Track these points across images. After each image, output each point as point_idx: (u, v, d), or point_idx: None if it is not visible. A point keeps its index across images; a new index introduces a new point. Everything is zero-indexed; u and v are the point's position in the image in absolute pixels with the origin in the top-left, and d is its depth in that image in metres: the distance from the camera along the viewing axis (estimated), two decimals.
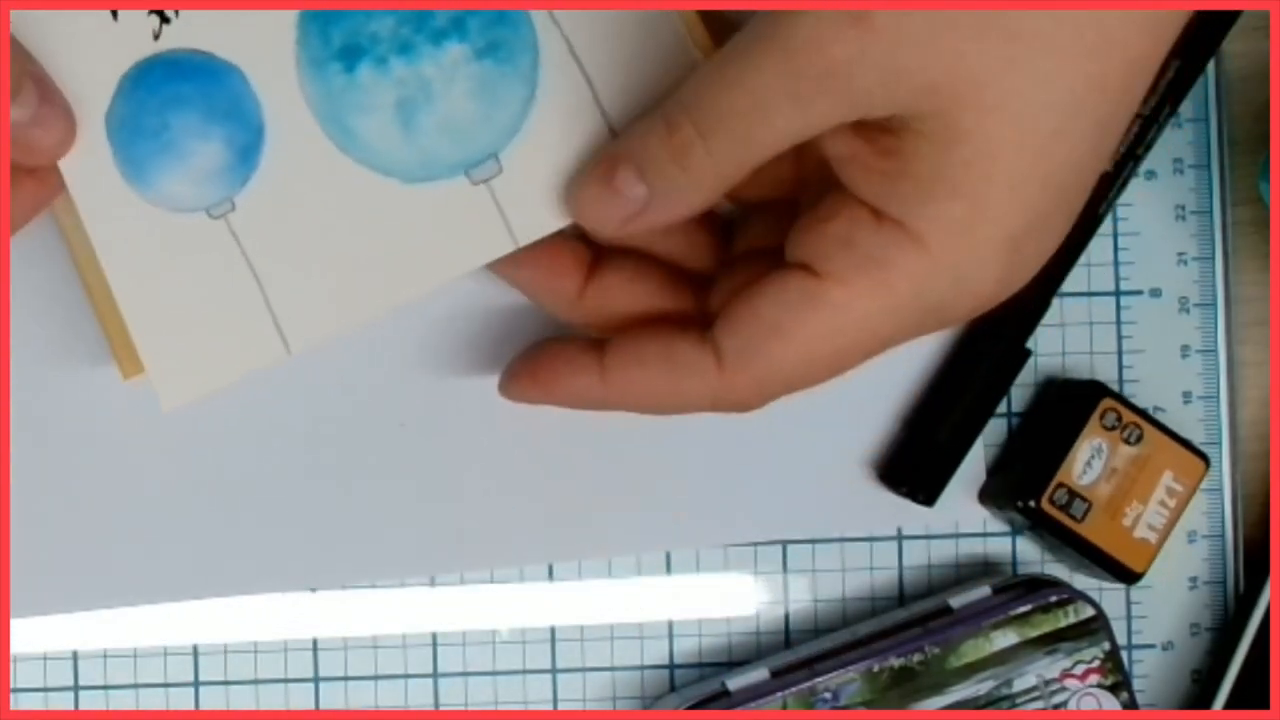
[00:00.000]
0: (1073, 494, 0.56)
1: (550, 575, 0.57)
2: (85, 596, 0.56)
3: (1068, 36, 0.44)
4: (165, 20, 0.50)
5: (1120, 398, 0.56)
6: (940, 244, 0.45)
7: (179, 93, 0.50)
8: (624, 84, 0.49)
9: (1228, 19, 0.57)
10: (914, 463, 0.57)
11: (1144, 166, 0.58)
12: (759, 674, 0.55)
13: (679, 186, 0.46)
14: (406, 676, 0.57)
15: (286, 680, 0.57)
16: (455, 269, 0.50)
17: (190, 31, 0.49)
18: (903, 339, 0.48)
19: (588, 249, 0.52)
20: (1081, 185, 0.46)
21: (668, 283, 0.52)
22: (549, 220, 0.50)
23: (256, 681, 0.57)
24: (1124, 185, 0.57)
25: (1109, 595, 0.58)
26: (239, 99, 0.50)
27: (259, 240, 0.50)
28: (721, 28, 0.50)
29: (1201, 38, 0.57)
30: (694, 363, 0.48)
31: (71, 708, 0.56)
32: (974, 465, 0.58)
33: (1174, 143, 0.58)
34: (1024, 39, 0.44)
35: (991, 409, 0.57)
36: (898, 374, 0.57)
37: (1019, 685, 0.55)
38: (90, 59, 0.49)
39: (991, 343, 0.57)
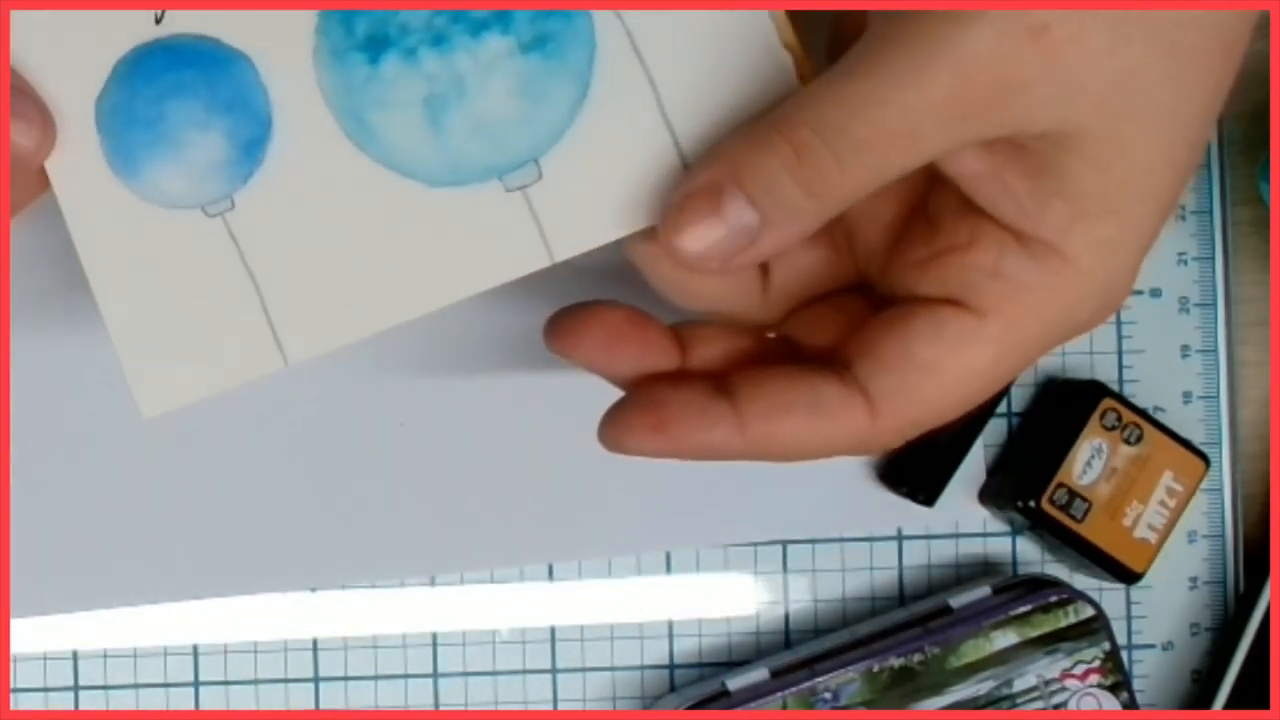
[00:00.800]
0: (1073, 494, 0.56)
1: (550, 575, 0.57)
2: (85, 596, 0.56)
3: (1207, 44, 0.42)
4: None
5: (1120, 398, 0.56)
6: (1092, 264, 0.43)
7: (179, 80, 0.46)
8: (695, 90, 0.45)
9: None
10: (914, 463, 0.57)
11: None
12: (759, 674, 0.55)
13: (799, 213, 0.42)
14: (406, 676, 0.57)
15: (286, 680, 0.57)
16: (480, 282, 0.47)
17: (196, 16, 0.46)
18: (1043, 355, 0.46)
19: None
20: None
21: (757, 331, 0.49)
22: (591, 235, 0.46)
23: (256, 681, 0.57)
24: None
25: (1109, 595, 0.58)
26: (245, 89, 0.46)
27: (259, 241, 0.46)
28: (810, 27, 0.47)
29: None
30: (842, 408, 0.45)
31: (71, 708, 0.56)
32: (974, 465, 0.58)
33: None
34: (1182, 51, 0.42)
35: (992, 409, 0.57)
36: None
37: (1019, 685, 0.55)
38: (83, 42, 0.46)
39: None
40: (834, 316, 0.47)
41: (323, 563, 0.56)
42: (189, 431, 0.56)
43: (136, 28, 0.46)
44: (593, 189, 0.45)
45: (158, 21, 0.46)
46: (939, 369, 0.44)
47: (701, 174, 0.43)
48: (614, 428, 0.46)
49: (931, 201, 0.45)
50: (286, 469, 0.56)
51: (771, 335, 0.48)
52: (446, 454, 0.56)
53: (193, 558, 0.56)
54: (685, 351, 0.47)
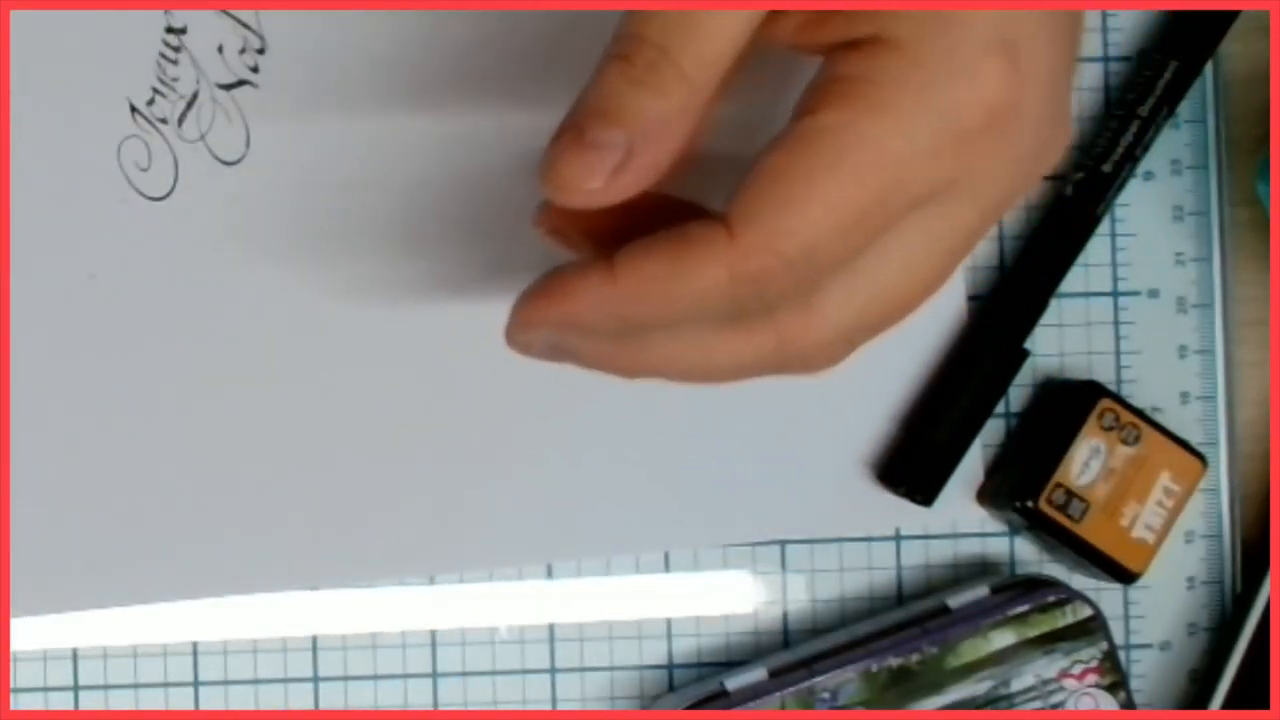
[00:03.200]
0: (1070, 494, 0.56)
1: (549, 574, 0.57)
2: (81, 596, 0.56)
3: None
4: None
5: (1118, 398, 0.56)
6: (921, 42, 0.42)
7: None
8: None
9: (1226, 19, 0.57)
10: (912, 463, 0.57)
11: (1142, 167, 0.58)
12: (757, 674, 0.55)
13: (657, 115, 0.43)
14: (405, 676, 0.57)
15: (286, 680, 0.57)
16: None
17: None
18: (928, 172, 0.43)
19: None
20: (1074, 27, 0.44)
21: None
22: None
23: (256, 681, 0.57)
24: (1122, 186, 0.57)
25: (1107, 595, 0.58)
26: None
27: None
28: None
29: (1200, 38, 0.57)
30: (704, 236, 0.43)
31: (71, 708, 0.56)
32: (972, 465, 0.58)
33: (1172, 143, 0.58)
34: None
35: (990, 409, 0.57)
36: (895, 373, 0.58)
37: (1017, 685, 0.55)
38: None
39: (989, 342, 0.57)
40: None
41: (323, 562, 0.56)
42: (187, 431, 0.56)
43: None
44: None
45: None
46: (782, 172, 0.42)
47: (560, 126, 0.43)
48: (515, 305, 0.46)
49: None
50: (286, 469, 0.56)
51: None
52: (447, 455, 0.56)
53: (190, 558, 0.56)
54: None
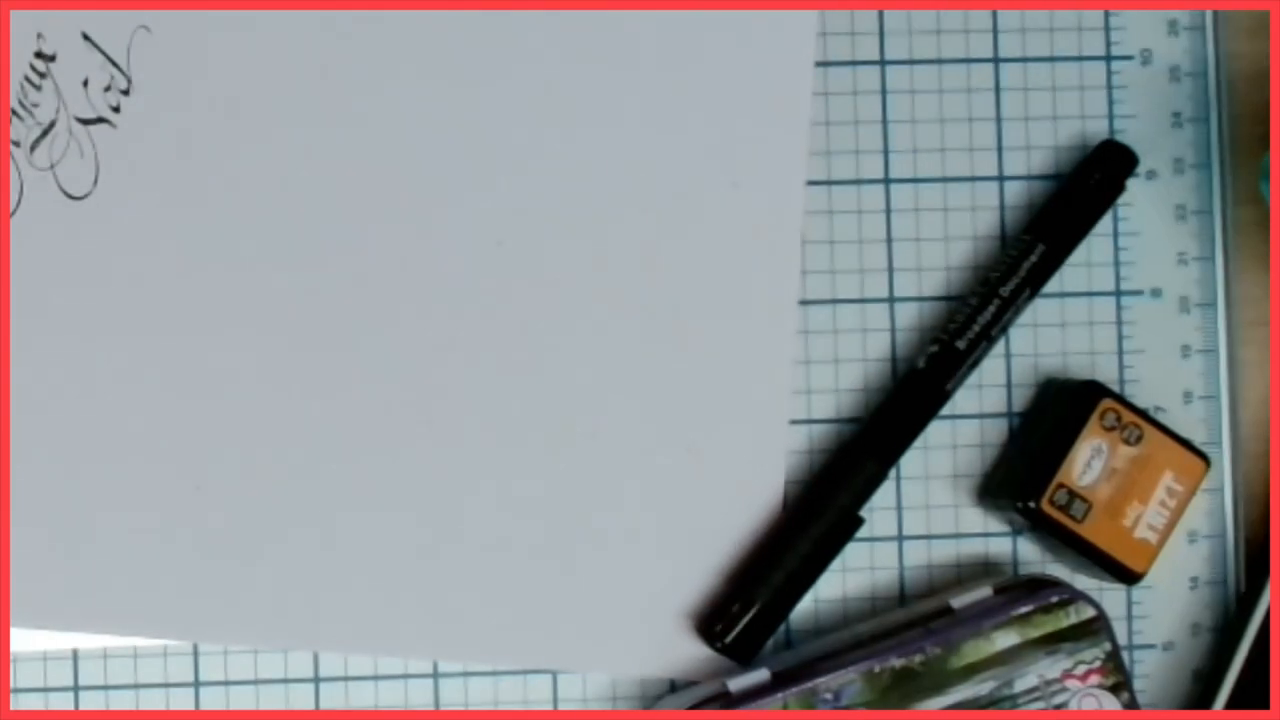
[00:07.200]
0: (1073, 495, 0.56)
1: None
2: (82, 618, 0.56)
3: None
4: None
5: (1120, 398, 0.56)
6: None
7: None
8: None
9: (1099, 207, 0.57)
10: (730, 620, 0.56)
11: (1144, 167, 0.58)
12: (760, 675, 0.55)
13: None
14: (406, 677, 0.57)
15: (286, 680, 0.57)
16: None
17: None
18: None
19: None
20: None
21: None
22: None
23: (256, 681, 0.57)
24: (976, 364, 0.56)
25: (1110, 595, 0.58)
26: None
27: None
28: None
29: (1069, 223, 0.57)
30: None
31: (71, 708, 0.56)
32: (971, 465, 0.58)
33: (1175, 143, 0.58)
34: None
35: (819, 571, 0.56)
36: (720, 533, 0.57)
37: (1020, 686, 0.55)
38: None
39: (821, 509, 0.56)
40: None
41: (324, 624, 0.56)
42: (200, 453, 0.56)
43: None
44: None
45: None
46: None
47: None
48: None
49: None
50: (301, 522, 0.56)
51: None
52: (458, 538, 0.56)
53: (192, 597, 0.56)
54: None
